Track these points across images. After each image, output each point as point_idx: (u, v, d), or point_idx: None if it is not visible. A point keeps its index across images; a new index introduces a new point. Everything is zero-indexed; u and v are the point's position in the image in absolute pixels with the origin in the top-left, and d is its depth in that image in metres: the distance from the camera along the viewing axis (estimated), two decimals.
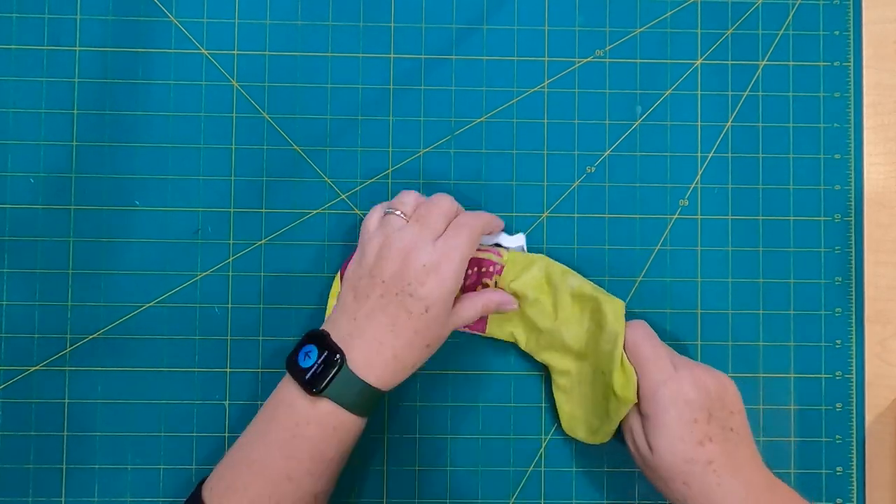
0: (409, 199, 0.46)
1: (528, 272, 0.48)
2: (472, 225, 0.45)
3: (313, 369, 0.42)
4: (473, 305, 0.47)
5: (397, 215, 0.46)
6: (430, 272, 0.43)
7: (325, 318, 0.46)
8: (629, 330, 0.46)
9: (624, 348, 0.46)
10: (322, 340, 0.43)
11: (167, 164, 0.51)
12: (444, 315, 0.44)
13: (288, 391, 0.43)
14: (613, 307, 0.47)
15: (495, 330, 0.50)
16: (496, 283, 0.49)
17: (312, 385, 0.42)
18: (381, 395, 0.43)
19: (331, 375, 0.42)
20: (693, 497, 0.42)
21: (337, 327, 0.44)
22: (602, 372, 0.47)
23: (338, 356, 0.42)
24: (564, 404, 0.50)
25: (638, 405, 0.45)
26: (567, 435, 0.50)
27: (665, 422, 0.43)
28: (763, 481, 0.44)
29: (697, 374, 0.44)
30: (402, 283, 0.43)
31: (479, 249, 0.49)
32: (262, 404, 0.44)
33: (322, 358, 0.42)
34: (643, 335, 0.46)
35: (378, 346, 0.43)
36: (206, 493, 0.43)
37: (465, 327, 0.49)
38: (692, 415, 0.43)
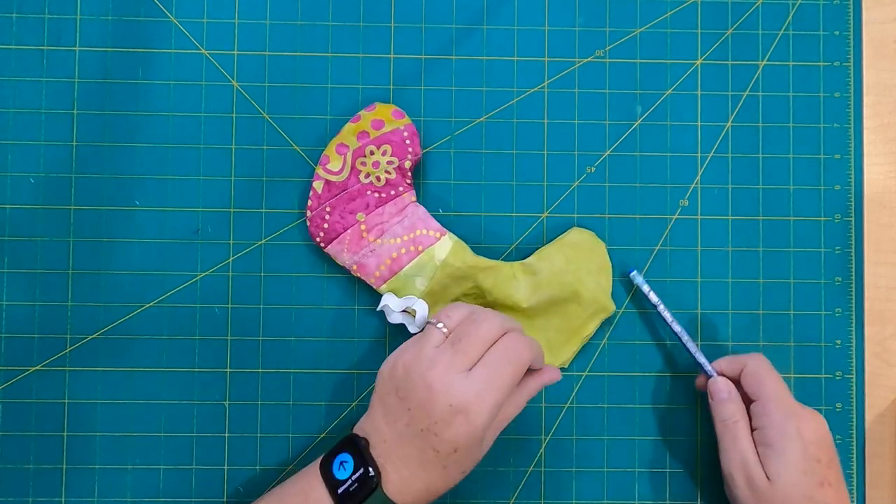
0: (455, 313, 0.42)
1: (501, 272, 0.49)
2: (518, 360, 0.41)
3: (347, 484, 0.40)
4: (517, 404, 0.43)
5: (438, 328, 0.42)
6: (458, 413, 0.39)
7: (365, 415, 0.43)
8: (752, 361, 0.47)
9: (743, 376, 0.47)
10: (359, 452, 0.41)
11: (167, 164, 0.51)
12: (476, 449, 0.41)
13: (319, 495, 0.41)
14: (601, 249, 0.51)
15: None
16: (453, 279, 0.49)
17: (344, 502, 0.40)
18: None
19: (364, 497, 0.40)
20: None
21: (371, 439, 0.42)
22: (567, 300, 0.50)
23: (373, 476, 0.40)
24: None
25: (754, 434, 0.46)
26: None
27: (790, 452, 0.44)
28: None
29: (818, 416, 0.46)
30: (428, 420, 0.40)
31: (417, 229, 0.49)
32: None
33: (358, 475, 0.40)
34: (767, 368, 0.47)
35: (409, 477, 0.41)
36: None
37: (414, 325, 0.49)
38: (816, 453, 0.44)
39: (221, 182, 0.51)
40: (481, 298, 0.50)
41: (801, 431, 0.44)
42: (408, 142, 0.49)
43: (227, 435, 0.51)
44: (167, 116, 0.51)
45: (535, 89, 0.53)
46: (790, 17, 0.53)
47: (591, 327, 0.50)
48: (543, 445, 0.52)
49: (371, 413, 0.43)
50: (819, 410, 0.52)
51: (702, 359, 0.49)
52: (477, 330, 0.41)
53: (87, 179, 0.51)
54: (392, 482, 0.40)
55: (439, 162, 0.52)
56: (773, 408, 0.45)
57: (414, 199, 0.50)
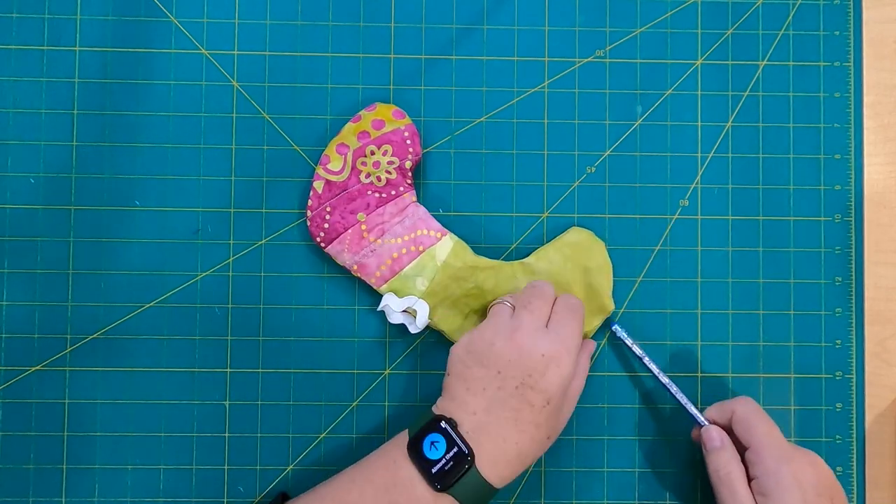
0: (509, 295, 0.47)
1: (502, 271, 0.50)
2: (579, 310, 0.45)
3: (441, 464, 0.41)
4: (581, 374, 0.46)
5: (505, 304, 0.45)
6: (550, 362, 0.42)
7: (441, 395, 0.45)
8: (740, 406, 0.46)
9: (733, 423, 0.46)
10: (449, 433, 0.42)
11: (167, 164, 0.51)
12: (561, 405, 0.44)
13: (409, 476, 0.42)
14: (599, 248, 0.51)
15: (440, 323, 0.50)
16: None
17: (439, 481, 0.41)
18: (495, 493, 0.43)
19: (459, 475, 0.41)
20: None
21: (457, 418, 0.43)
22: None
23: (468, 455, 0.41)
24: None
25: (751, 484, 0.44)
26: None
27: (787, 503, 0.42)
28: None
29: (812, 457, 0.44)
30: (523, 374, 0.42)
31: (417, 230, 0.49)
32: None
33: (451, 454, 0.41)
34: (755, 411, 0.46)
35: (503, 444, 0.42)
36: None
37: (414, 323, 0.49)
38: (816, 499, 0.43)
39: (221, 182, 0.51)
40: (482, 299, 0.50)
41: (797, 478, 0.43)
42: (408, 142, 0.50)
43: (227, 435, 0.51)
44: (167, 116, 0.51)
45: (535, 89, 0.53)
46: (790, 17, 0.53)
47: (592, 325, 0.50)
48: None
49: (451, 392, 0.44)
50: (819, 410, 0.52)
51: (692, 409, 0.48)
52: (541, 293, 0.45)
53: (87, 179, 0.51)
54: (485, 456, 0.42)
55: (439, 162, 0.52)
56: (766, 455, 0.44)
57: (414, 199, 0.50)
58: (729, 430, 0.47)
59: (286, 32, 0.52)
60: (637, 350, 0.50)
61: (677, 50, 0.53)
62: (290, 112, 0.52)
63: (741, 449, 0.46)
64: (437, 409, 0.44)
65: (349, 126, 0.50)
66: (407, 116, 0.50)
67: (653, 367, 0.49)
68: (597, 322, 0.50)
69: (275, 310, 0.51)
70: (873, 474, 0.52)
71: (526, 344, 0.42)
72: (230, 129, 0.52)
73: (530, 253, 0.51)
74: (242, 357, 0.51)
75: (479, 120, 0.52)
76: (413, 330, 0.48)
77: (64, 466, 0.50)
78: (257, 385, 0.51)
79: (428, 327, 0.50)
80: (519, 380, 0.42)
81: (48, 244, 0.51)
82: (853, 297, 0.53)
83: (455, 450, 0.41)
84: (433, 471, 0.41)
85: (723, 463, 0.45)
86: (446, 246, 0.49)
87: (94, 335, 0.51)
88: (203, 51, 0.52)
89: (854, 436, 0.52)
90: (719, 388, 0.52)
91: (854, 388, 0.52)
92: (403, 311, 0.48)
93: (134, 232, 0.51)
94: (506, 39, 0.53)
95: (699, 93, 0.53)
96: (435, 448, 0.42)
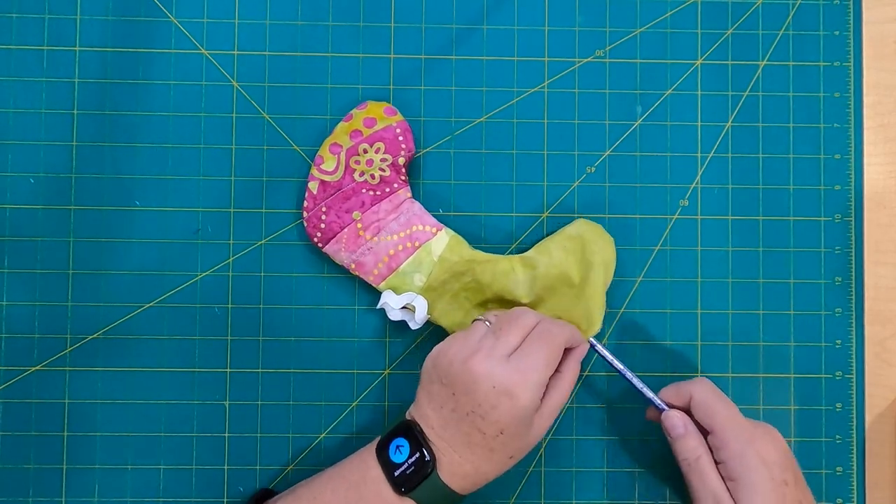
0: (497, 314, 0.46)
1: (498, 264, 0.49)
2: (554, 341, 0.43)
3: (403, 468, 0.42)
4: (562, 391, 0.44)
5: (484, 322, 0.45)
6: (502, 395, 0.41)
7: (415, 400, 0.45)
8: (697, 388, 0.46)
9: (692, 407, 0.46)
10: (414, 438, 0.42)
11: (167, 164, 0.51)
12: (524, 432, 0.42)
13: (376, 477, 0.42)
14: (607, 242, 0.49)
15: (440, 318, 0.50)
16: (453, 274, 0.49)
17: (401, 485, 0.42)
18: (461, 499, 0.43)
19: (420, 481, 0.41)
20: None
21: (424, 423, 0.43)
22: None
23: (429, 461, 0.42)
24: None
25: (719, 468, 0.44)
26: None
27: (758, 484, 0.42)
28: None
29: (772, 432, 0.44)
30: (473, 403, 0.41)
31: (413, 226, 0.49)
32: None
33: (414, 459, 0.42)
34: (713, 393, 0.45)
35: (458, 460, 0.42)
36: None
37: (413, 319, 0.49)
38: (782, 475, 0.42)
39: (221, 182, 0.51)
40: (480, 293, 0.49)
41: (762, 458, 0.43)
42: (401, 138, 0.50)
43: (227, 435, 0.51)
44: (167, 116, 0.51)
45: (535, 89, 0.53)
46: (790, 17, 0.53)
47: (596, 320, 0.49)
48: (543, 445, 0.52)
49: (418, 402, 0.44)
50: (819, 410, 0.52)
51: (649, 393, 0.48)
52: (516, 320, 0.43)
53: (87, 179, 0.51)
54: (443, 465, 0.42)
55: (439, 162, 0.52)
56: (730, 438, 0.43)
57: (409, 195, 0.50)
58: (688, 411, 0.46)
59: (286, 32, 0.52)
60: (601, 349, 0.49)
61: (677, 50, 0.53)
62: (290, 112, 0.52)
63: (704, 433, 0.46)
64: (409, 413, 0.44)
65: (341, 125, 0.50)
66: (398, 113, 0.50)
67: (604, 352, 0.48)
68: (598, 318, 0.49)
69: (274, 310, 0.51)
70: (873, 474, 0.52)
71: (480, 373, 0.41)
72: (230, 129, 0.52)
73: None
74: (242, 357, 0.51)
75: (478, 120, 0.52)
76: (413, 326, 0.48)
77: (64, 466, 0.50)
78: (257, 385, 0.51)
79: (430, 323, 0.50)
80: (469, 408, 0.41)
81: (48, 244, 0.51)
82: (853, 297, 0.53)
83: (417, 455, 0.42)
84: (396, 474, 0.42)
85: (690, 450, 0.45)
86: (442, 241, 0.49)
87: (94, 335, 0.51)
88: (203, 51, 0.52)
89: (854, 436, 0.52)
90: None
91: (854, 388, 0.52)
92: (402, 307, 0.48)
93: (134, 232, 0.51)
94: (506, 39, 0.53)
95: (699, 93, 0.53)
96: (399, 452, 0.42)
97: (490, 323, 0.45)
